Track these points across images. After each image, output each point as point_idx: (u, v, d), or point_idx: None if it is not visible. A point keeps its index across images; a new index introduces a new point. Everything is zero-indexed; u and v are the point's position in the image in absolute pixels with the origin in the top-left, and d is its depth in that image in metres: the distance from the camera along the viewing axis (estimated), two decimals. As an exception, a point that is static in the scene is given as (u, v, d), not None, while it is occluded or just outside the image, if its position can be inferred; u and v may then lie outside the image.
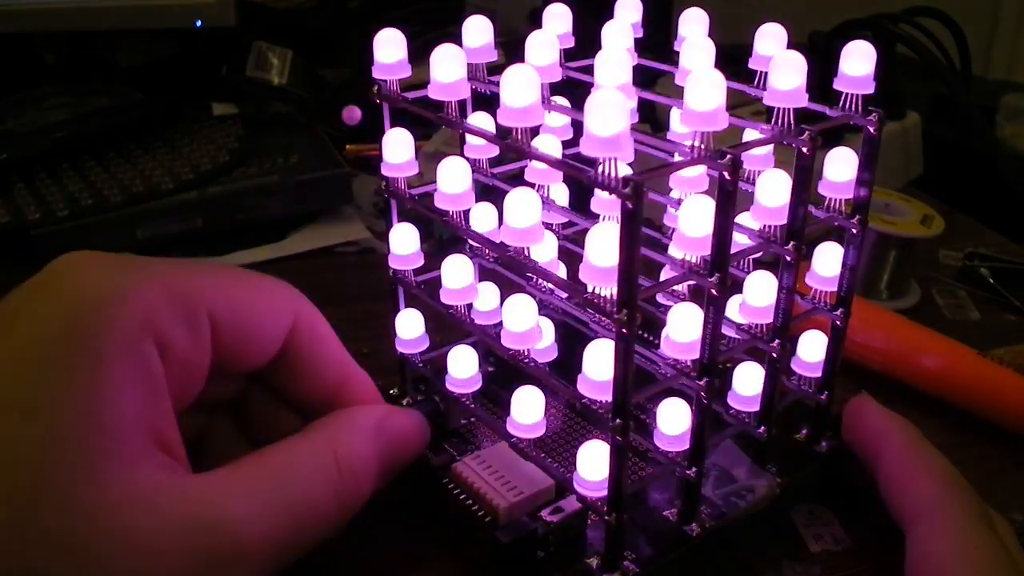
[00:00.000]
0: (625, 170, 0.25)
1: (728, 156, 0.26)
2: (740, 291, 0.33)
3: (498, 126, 0.30)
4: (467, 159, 0.34)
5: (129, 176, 0.59)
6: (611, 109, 0.25)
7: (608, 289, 0.26)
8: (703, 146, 0.27)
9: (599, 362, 0.28)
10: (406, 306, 0.37)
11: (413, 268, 0.36)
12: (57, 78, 0.75)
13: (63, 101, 0.68)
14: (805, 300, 0.34)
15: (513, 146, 0.29)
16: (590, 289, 0.27)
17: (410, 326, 0.37)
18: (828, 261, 0.34)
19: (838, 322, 0.34)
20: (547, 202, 0.36)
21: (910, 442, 0.34)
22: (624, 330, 0.26)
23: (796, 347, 0.36)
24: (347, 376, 0.33)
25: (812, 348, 0.35)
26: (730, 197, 0.27)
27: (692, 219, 0.28)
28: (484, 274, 0.37)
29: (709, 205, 0.27)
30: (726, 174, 0.26)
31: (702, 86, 0.26)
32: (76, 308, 0.25)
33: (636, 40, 0.36)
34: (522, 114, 0.27)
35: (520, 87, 0.27)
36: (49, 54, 0.78)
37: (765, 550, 0.34)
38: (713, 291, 0.28)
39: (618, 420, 0.27)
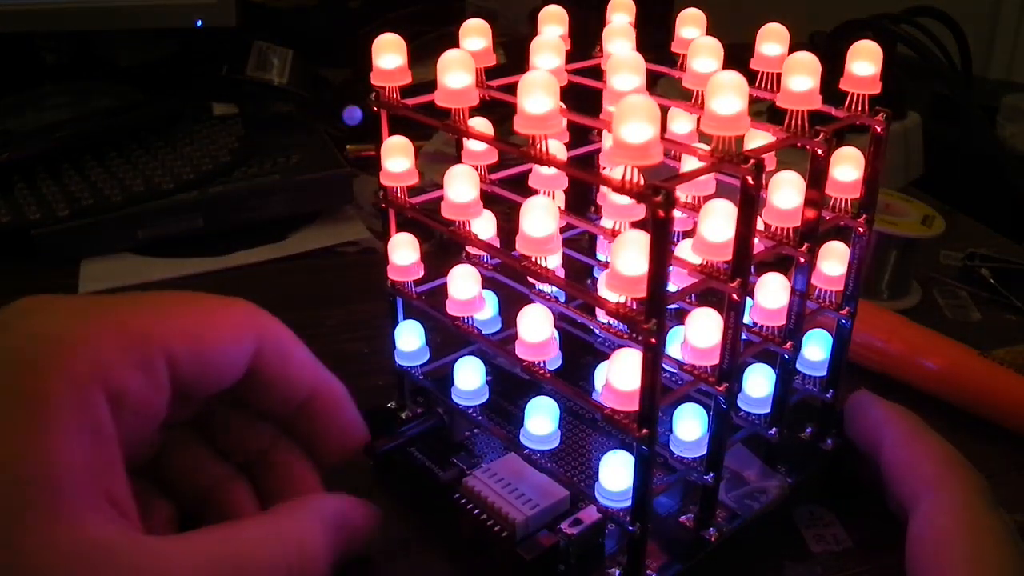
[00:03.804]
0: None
1: (752, 160, 0.26)
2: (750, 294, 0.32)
3: (495, 133, 0.30)
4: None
5: (130, 176, 0.59)
6: (642, 115, 0.24)
7: (623, 297, 0.26)
8: (724, 150, 0.26)
9: (623, 372, 0.27)
10: (405, 317, 0.37)
11: (413, 279, 0.35)
12: (57, 78, 0.75)
13: (63, 101, 0.68)
14: (811, 300, 0.34)
15: (527, 154, 0.28)
16: (617, 298, 0.26)
17: (410, 339, 0.36)
18: (834, 261, 0.34)
19: (844, 321, 0.34)
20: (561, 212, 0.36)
21: (911, 427, 0.34)
22: (652, 340, 0.25)
23: (801, 347, 0.35)
24: (317, 389, 0.32)
25: (817, 347, 0.35)
26: (753, 202, 0.26)
27: (713, 224, 0.27)
28: (482, 282, 0.37)
29: (730, 210, 0.27)
30: (749, 178, 0.26)
31: (725, 89, 0.26)
32: (24, 357, 0.25)
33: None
34: (541, 121, 0.27)
35: (540, 94, 0.26)
36: (49, 54, 0.78)
37: (766, 551, 0.34)
38: (734, 296, 0.27)
39: (644, 430, 0.27)
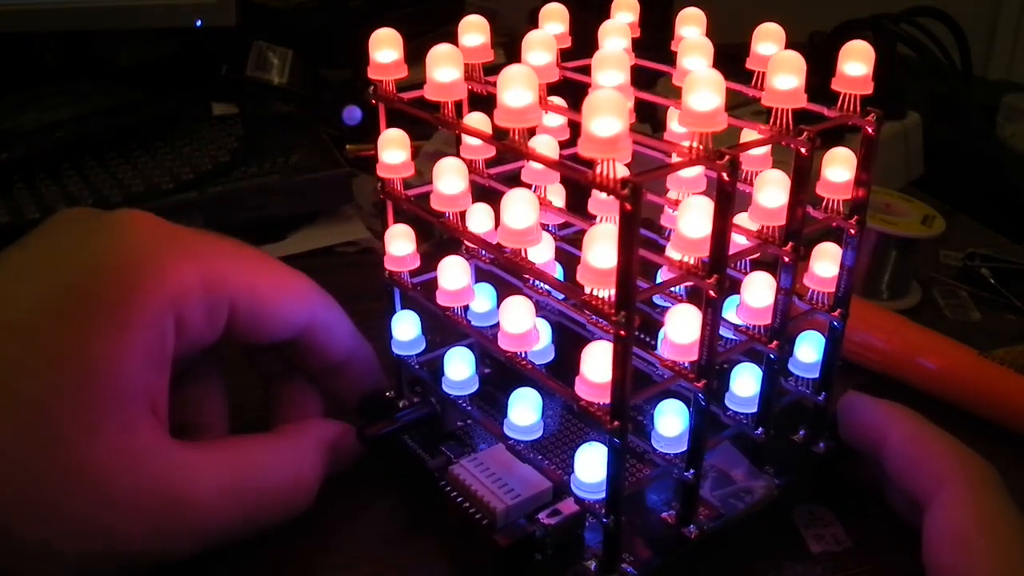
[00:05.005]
0: (623, 171, 0.25)
1: (727, 157, 0.26)
2: (738, 292, 0.32)
3: (495, 127, 0.30)
4: (463, 160, 0.34)
5: (129, 176, 0.59)
6: (609, 109, 0.24)
7: (606, 291, 0.26)
8: (701, 147, 0.27)
9: (597, 364, 0.27)
10: (402, 308, 0.37)
11: (409, 269, 0.36)
12: (57, 78, 0.75)
13: (63, 101, 0.68)
14: (803, 301, 0.34)
15: (510, 147, 0.29)
16: (588, 291, 0.26)
17: (406, 328, 0.37)
18: (826, 262, 0.34)
19: (836, 323, 0.34)
20: (544, 203, 0.36)
21: (915, 423, 0.34)
22: (622, 332, 0.26)
23: (794, 348, 0.35)
24: (351, 359, 0.36)
25: (810, 349, 0.35)
26: (728, 198, 0.26)
27: (690, 220, 0.27)
28: (481, 275, 0.37)
29: (707, 206, 0.27)
30: (724, 175, 0.26)
31: (700, 86, 0.26)
32: (121, 271, 0.28)
33: (634, 40, 0.36)
34: (519, 114, 0.27)
35: (517, 87, 0.27)
36: (49, 54, 0.78)
37: (766, 551, 0.34)
38: (711, 292, 0.28)
39: (616, 422, 0.27)
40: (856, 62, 0.30)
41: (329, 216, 0.62)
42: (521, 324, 0.30)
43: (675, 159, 0.27)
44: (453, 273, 0.33)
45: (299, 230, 0.60)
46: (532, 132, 0.35)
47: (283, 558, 0.33)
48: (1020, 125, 0.80)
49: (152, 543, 0.28)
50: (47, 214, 0.54)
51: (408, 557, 0.34)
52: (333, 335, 0.35)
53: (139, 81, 0.74)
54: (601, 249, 0.26)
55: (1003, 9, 1.33)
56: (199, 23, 0.73)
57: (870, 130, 0.31)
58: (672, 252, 0.29)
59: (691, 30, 0.35)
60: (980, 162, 0.72)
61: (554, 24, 0.36)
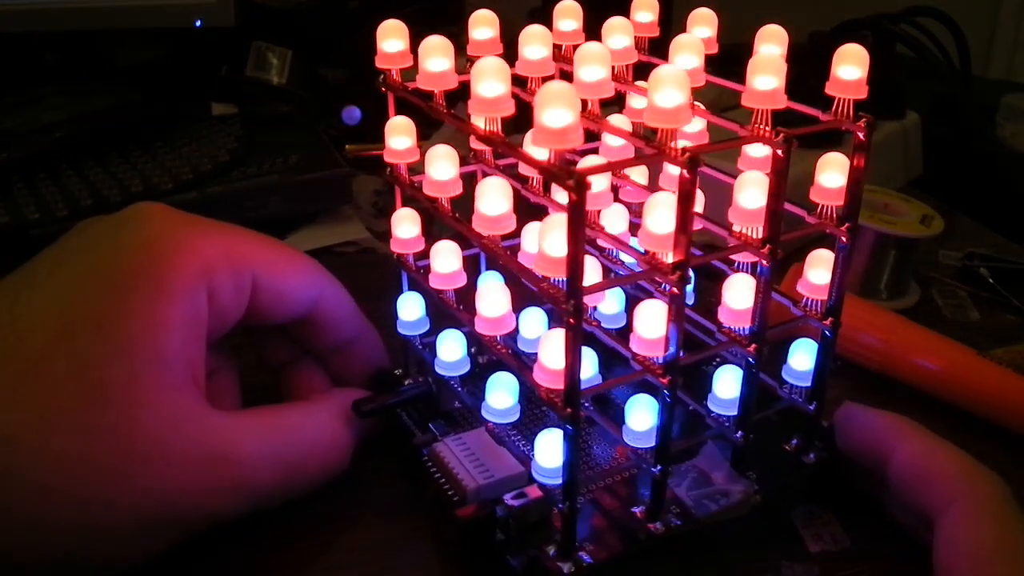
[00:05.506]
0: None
1: (687, 154, 0.26)
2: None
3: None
4: (473, 150, 0.35)
5: (129, 176, 0.59)
6: (560, 101, 0.25)
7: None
8: (672, 143, 0.27)
9: (552, 351, 0.28)
10: (408, 289, 0.38)
11: (414, 252, 0.37)
12: (57, 78, 0.75)
13: (63, 101, 0.68)
14: (797, 308, 0.34)
15: (489, 137, 0.29)
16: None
17: (411, 308, 0.38)
18: (821, 269, 0.33)
19: (827, 332, 0.33)
20: (544, 197, 0.36)
21: (922, 437, 0.33)
22: (571, 320, 0.26)
23: (787, 355, 0.35)
24: (357, 337, 0.38)
25: (804, 357, 0.35)
26: (688, 196, 0.26)
27: (655, 217, 0.28)
28: (490, 266, 0.37)
29: (672, 202, 0.27)
30: (684, 172, 0.26)
31: (665, 83, 0.26)
32: (152, 249, 0.30)
33: (649, 40, 0.36)
34: (491, 104, 0.28)
35: (490, 79, 0.28)
36: (49, 54, 0.78)
37: (764, 550, 0.34)
38: (674, 289, 0.28)
39: (568, 409, 0.27)
40: (850, 65, 0.30)
41: (329, 216, 0.62)
42: (497, 308, 0.31)
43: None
44: (444, 257, 0.34)
45: (299, 230, 0.60)
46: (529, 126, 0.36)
47: (283, 559, 0.33)
48: (1020, 125, 0.80)
49: (201, 501, 0.29)
50: (47, 214, 0.55)
51: (407, 558, 0.34)
52: (341, 312, 0.37)
53: (139, 81, 0.74)
54: (555, 237, 0.26)
55: (1003, 9, 1.34)
56: (199, 23, 0.73)
57: (861, 135, 0.30)
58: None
59: (703, 30, 0.35)
60: (980, 162, 0.72)
61: (568, 21, 0.36)
